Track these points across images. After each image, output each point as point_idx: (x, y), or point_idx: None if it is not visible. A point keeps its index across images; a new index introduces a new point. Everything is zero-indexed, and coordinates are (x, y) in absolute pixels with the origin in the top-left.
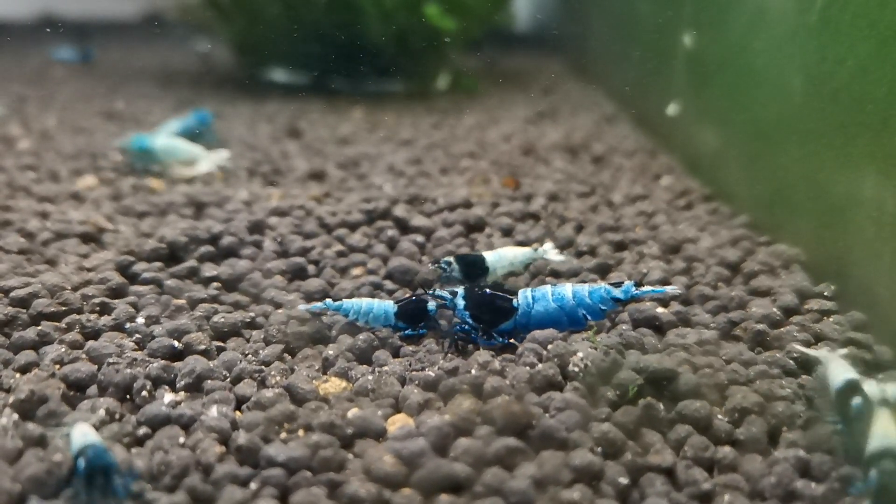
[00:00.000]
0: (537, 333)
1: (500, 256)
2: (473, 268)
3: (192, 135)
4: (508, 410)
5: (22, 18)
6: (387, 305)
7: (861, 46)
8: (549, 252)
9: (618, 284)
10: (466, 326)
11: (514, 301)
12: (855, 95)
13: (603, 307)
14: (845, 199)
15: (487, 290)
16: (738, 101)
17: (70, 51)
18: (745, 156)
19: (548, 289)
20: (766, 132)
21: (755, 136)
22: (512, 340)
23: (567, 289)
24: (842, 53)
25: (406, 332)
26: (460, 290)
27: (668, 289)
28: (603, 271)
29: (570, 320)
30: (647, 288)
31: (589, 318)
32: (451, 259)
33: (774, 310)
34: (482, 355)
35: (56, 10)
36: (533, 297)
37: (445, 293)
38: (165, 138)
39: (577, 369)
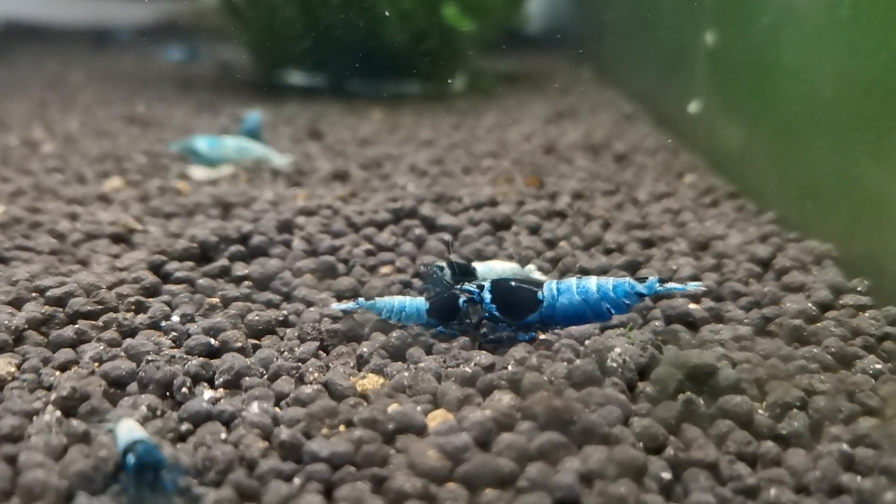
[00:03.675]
0: (573, 329)
1: (490, 268)
2: (463, 276)
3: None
4: (550, 405)
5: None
6: (419, 303)
7: (895, 39)
8: (534, 272)
9: (642, 279)
10: (487, 315)
11: (540, 293)
12: (889, 89)
13: (627, 301)
14: (879, 194)
15: (513, 283)
16: (765, 98)
17: (180, 51)
18: (772, 153)
19: (573, 281)
20: (795, 129)
21: (783, 132)
22: (541, 335)
23: (592, 282)
24: (874, 47)
25: (438, 328)
26: (487, 283)
27: (692, 285)
28: (633, 268)
29: (594, 313)
30: (671, 285)
31: (613, 311)
32: (444, 265)
33: (810, 305)
34: (518, 351)
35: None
36: (558, 290)
37: (472, 287)
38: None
39: (615, 365)
